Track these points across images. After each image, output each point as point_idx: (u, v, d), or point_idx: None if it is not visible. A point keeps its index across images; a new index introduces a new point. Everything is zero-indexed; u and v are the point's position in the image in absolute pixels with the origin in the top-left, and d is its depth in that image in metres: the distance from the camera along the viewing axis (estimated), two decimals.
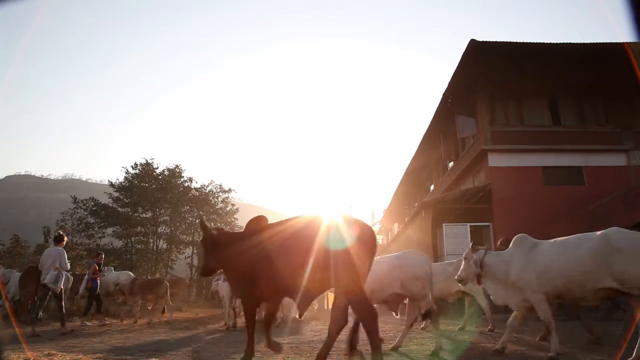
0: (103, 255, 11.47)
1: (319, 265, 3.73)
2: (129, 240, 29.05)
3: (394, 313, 5.82)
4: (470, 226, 15.20)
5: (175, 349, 5.77)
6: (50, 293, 8.22)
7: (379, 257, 5.81)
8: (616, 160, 15.73)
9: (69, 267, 9.01)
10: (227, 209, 31.18)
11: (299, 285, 3.87)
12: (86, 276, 11.22)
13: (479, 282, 5.21)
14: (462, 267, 5.32)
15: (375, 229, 40.37)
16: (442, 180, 21.85)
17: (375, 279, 5.29)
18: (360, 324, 3.90)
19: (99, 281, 10.69)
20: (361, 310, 3.72)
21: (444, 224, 15.32)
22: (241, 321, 10.52)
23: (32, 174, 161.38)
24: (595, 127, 16.25)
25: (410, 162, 24.28)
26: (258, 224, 4.45)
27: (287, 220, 4.30)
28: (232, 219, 30.94)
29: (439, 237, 15.42)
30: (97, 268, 10.68)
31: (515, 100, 16.48)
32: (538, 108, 16.53)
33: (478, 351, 5.45)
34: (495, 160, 15.72)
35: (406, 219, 25.52)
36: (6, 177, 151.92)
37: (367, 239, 3.85)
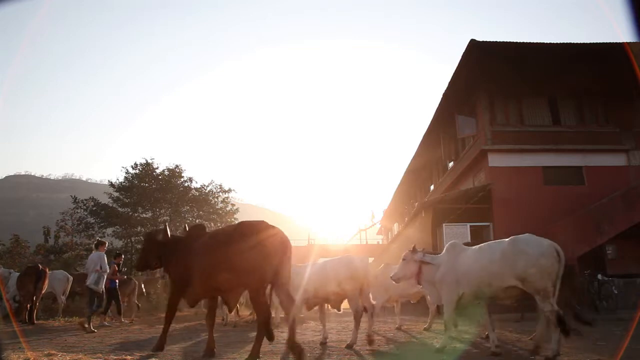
0: (123, 256, 11.56)
1: (227, 266, 4.48)
2: (129, 240, 29.03)
3: (335, 309, 6.32)
4: (470, 226, 15.21)
5: (174, 349, 5.76)
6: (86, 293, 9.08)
7: (322, 260, 6.57)
8: (616, 160, 15.73)
9: (108, 269, 9.73)
10: (227, 209, 31.13)
11: (218, 284, 4.67)
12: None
13: (419, 283, 5.60)
14: (398, 267, 5.70)
15: (375, 229, 40.40)
16: (442, 180, 21.85)
17: (317, 280, 6.06)
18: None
19: (117, 281, 10.76)
20: (257, 306, 4.50)
21: (444, 224, 15.31)
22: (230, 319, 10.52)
23: (32, 174, 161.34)
24: (595, 127, 16.25)
25: (411, 162, 24.29)
26: (197, 230, 5.35)
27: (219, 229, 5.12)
28: (232, 219, 30.91)
29: (439, 237, 15.41)
30: (117, 268, 10.74)
31: (515, 100, 16.48)
32: (538, 108, 16.53)
33: (478, 351, 5.45)
34: (495, 160, 15.72)
35: (406, 219, 25.51)
36: (6, 177, 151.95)
37: (277, 244, 4.54)
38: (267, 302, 4.58)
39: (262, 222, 4.74)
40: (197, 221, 30.20)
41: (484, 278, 4.87)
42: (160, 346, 5.14)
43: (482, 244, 5.29)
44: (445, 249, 5.48)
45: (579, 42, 14.34)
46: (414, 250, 5.57)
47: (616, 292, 11.48)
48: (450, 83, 16.16)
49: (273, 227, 4.69)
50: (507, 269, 4.69)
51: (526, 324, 8.74)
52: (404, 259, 5.60)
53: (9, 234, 27.57)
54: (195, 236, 5.16)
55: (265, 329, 4.45)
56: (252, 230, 4.56)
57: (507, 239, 4.95)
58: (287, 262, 4.61)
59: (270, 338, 4.56)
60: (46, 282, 11.34)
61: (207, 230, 5.47)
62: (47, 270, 11.70)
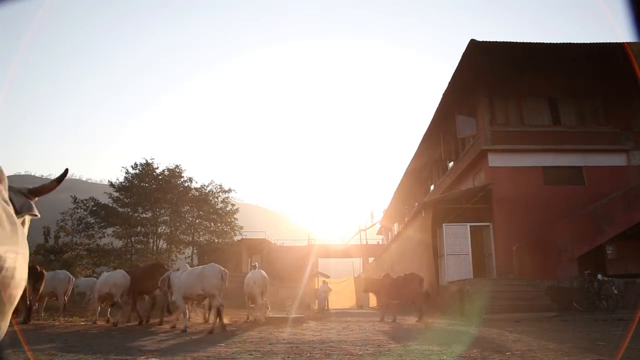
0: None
1: None
2: (129, 240, 29.00)
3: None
4: (470, 226, 15.21)
5: (174, 349, 5.77)
6: None
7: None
8: (616, 160, 15.72)
9: None
10: (227, 209, 31.10)
11: None
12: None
13: (169, 289, 9.07)
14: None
15: (375, 229, 40.43)
16: (442, 180, 21.84)
17: (100, 285, 10.52)
18: None
19: None
20: None
21: (444, 224, 15.31)
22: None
23: (32, 174, 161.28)
24: (595, 127, 16.25)
25: (411, 162, 24.29)
26: None
27: None
28: (232, 219, 30.91)
29: (439, 237, 15.41)
30: None
31: (515, 100, 16.48)
32: (538, 108, 16.53)
33: (478, 350, 5.44)
34: (495, 160, 15.72)
35: (406, 219, 25.52)
36: (6, 177, 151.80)
37: None
38: None
39: None
40: (197, 221, 30.27)
41: (187, 287, 8.43)
42: None
43: (195, 267, 9.00)
44: (181, 268, 9.19)
45: (578, 42, 14.35)
46: (166, 270, 9.27)
47: (616, 292, 11.47)
48: (450, 83, 16.16)
49: None
50: (199, 284, 8.32)
51: (525, 324, 8.77)
52: (162, 280, 9.35)
53: None
54: None
55: None
56: None
57: (202, 266, 8.79)
58: None
59: None
60: (43, 283, 11.37)
61: None
62: (44, 271, 11.73)
